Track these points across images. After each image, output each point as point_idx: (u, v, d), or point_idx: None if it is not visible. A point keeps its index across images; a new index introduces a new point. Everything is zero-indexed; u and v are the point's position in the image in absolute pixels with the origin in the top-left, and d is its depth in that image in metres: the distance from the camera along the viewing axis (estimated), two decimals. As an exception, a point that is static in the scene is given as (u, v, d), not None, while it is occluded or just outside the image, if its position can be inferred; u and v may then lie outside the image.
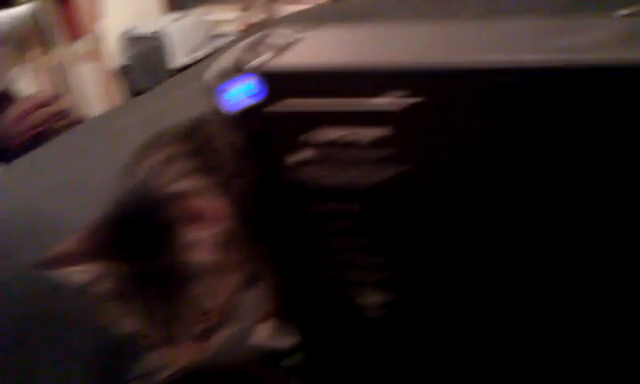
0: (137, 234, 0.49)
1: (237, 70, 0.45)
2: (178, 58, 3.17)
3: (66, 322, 0.91)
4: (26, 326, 0.94)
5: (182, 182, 0.52)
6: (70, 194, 1.13)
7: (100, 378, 0.84)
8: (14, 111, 2.67)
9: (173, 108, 1.65)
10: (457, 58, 0.42)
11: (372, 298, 0.50)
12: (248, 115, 0.45)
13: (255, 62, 0.46)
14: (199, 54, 3.30)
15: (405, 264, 0.48)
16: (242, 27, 3.46)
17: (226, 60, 0.46)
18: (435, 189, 0.45)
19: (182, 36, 3.28)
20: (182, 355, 0.52)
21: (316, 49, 0.48)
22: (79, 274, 0.51)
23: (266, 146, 0.47)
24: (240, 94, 0.45)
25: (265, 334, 0.67)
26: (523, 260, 0.46)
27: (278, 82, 0.45)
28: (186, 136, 0.57)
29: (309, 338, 0.56)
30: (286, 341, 0.63)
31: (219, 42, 3.51)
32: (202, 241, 0.49)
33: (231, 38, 3.31)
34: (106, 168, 1.31)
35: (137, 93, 2.88)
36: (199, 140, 0.56)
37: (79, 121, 2.73)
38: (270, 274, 0.56)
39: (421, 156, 0.44)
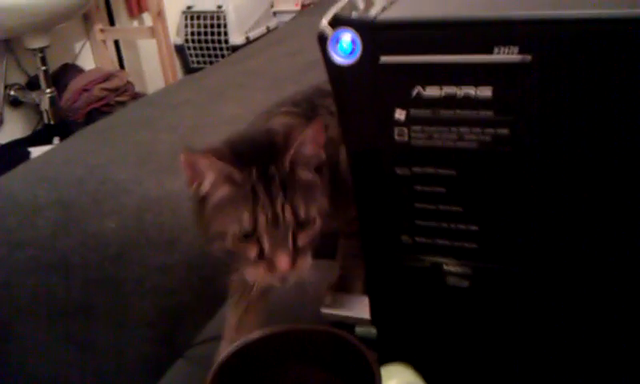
0: (253, 150, 0.58)
1: (349, 21, 0.44)
2: (238, 35, 3.18)
3: (130, 287, 0.92)
4: (91, 291, 0.95)
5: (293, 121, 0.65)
6: (135, 163, 1.14)
7: (163, 342, 0.85)
8: (77, 84, 2.75)
9: (230, 84, 1.66)
10: (568, 11, 0.39)
11: (457, 268, 0.48)
12: (360, 66, 0.44)
13: (368, 13, 0.44)
14: (259, 31, 3.31)
15: (497, 234, 0.46)
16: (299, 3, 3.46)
17: (339, 10, 0.44)
18: (538, 154, 0.41)
19: (242, 12, 3.28)
20: (280, 263, 0.55)
21: (424, 3, 0.46)
22: (209, 170, 0.56)
23: (374, 99, 0.45)
24: (352, 44, 0.44)
25: (332, 302, 0.68)
26: (627, 234, 0.42)
27: (390, 34, 0.43)
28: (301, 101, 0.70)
29: (387, 306, 0.54)
30: (354, 310, 0.64)
31: (279, 19, 3.53)
32: (303, 160, 0.57)
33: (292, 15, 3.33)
34: (167, 139, 1.33)
35: (196, 69, 2.91)
36: (309, 106, 0.69)
37: (139, 95, 2.80)
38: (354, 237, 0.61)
39: (524, 117, 0.41)
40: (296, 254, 0.56)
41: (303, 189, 0.56)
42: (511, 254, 0.46)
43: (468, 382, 0.54)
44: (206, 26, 3.18)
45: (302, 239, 0.57)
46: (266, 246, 0.55)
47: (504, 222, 0.45)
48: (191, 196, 0.59)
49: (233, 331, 0.67)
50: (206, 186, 0.57)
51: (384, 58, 0.43)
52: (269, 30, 3.29)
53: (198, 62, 3.21)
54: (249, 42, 3.10)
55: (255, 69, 1.73)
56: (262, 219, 0.55)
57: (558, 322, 0.48)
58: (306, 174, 0.57)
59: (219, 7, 3.13)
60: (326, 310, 0.68)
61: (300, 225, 0.56)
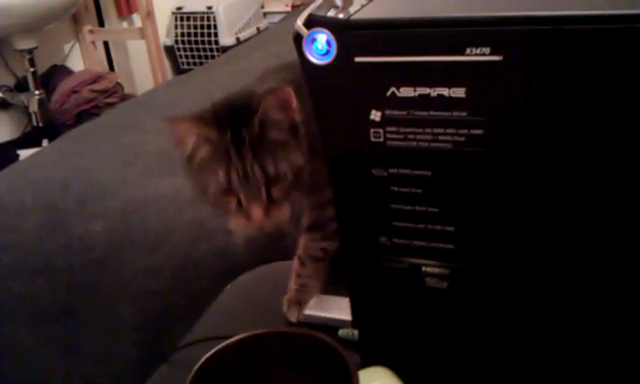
0: (230, 112, 0.64)
1: (323, 21, 0.43)
2: (228, 35, 3.17)
3: (115, 291, 0.91)
4: (76, 295, 0.95)
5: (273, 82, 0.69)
6: (120, 165, 1.13)
7: (149, 346, 0.84)
8: (66, 86, 2.73)
9: (220, 85, 1.65)
10: (538, 11, 0.38)
11: (435, 269, 0.48)
12: (336, 66, 0.43)
13: (343, 13, 0.44)
14: (249, 32, 3.30)
15: (473, 234, 0.46)
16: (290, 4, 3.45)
17: (313, 11, 0.44)
18: (512, 153, 0.41)
19: (232, 13, 3.27)
20: (254, 214, 0.62)
21: (402, 2, 0.46)
22: (190, 134, 0.62)
23: (350, 100, 0.45)
24: (327, 44, 0.44)
25: (314, 305, 0.68)
26: (604, 232, 0.42)
27: (364, 34, 0.42)
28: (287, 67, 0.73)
29: (368, 308, 0.54)
30: (339, 312, 0.64)
31: (270, 20, 3.52)
32: (271, 122, 0.62)
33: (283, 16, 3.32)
34: (154, 141, 1.32)
35: (185, 70, 2.90)
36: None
37: (129, 97, 2.78)
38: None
39: (497, 118, 0.40)
40: (270, 205, 0.63)
41: (273, 147, 0.62)
42: (488, 254, 0.46)
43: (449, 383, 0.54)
44: (195, 27, 3.18)
45: (275, 192, 0.63)
46: (242, 199, 0.62)
47: (480, 223, 0.45)
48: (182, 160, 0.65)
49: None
50: (189, 147, 0.63)
51: (358, 59, 0.43)
52: (259, 31, 3.29)
53: (188, 63, 3.20)
54: (239, 42, 3.09)
55: (245, 70, 1.72)
56: (234, 176, 0.61)
57: (536, 321, 0.48)
58: (276, 134, 0.63)
59: (209, 8, 3.12)
60: (309, 313, 0.68)
61: (271, 180, 0.62)
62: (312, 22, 0.44)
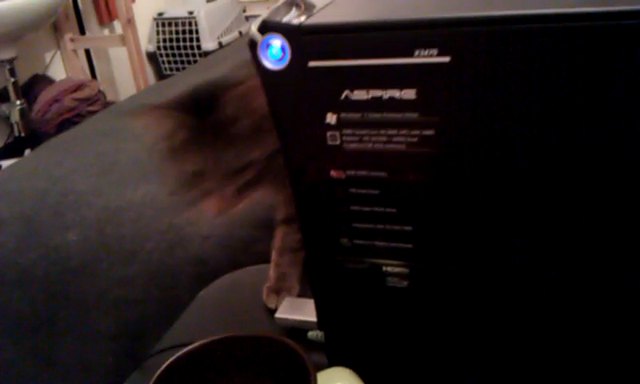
0: (202, 99, 0.63)
1: (276, 26, 0.44)
2: (210, 40, 3.17)
3: (92, 301, 0.91)
4: (54, 305, 0.94)
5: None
6: (96, 174, 1.13)
7: (126, 354, 0.84)
8: (47, 95, 2.72)
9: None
10: (485, 12, 0.39)
11: (395, 269, 0.48)
12: (291, 71, 0.44)
13: (294, 19, 0.44)
14: (231, 37, 3.30)
15: (431, 233, 0.46)
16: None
17: (268, 16, 0.45)
18: (463, 153, 0.42)
19: (214, 18, 3.27)
20: (227, 197, 0.63)
21: (353, 8, 0.47)
22: (157, 127, 0.62)
23: (306, 104, 0.45)
24: (281, 50, 0.44)
25: (286, 307, 0.69)
26: (556, 239, 0.43)
27: (316, 39, 0.43)
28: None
29: (332, 309, 0.54)
30: (306, 315, 0.64)
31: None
32: (244, 106, 0.62)
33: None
34: (130, 148, 1.32)
35: (168, 76, 2.90)
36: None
37: (111, 104, 2.77)
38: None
39: (448, 118, 0.41)
40: (243, 188, 0.63)
41: (245, 133, 0.63)
42: (446, 252, 0.47)
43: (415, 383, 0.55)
44: (177, 33, 3.17)
45: (246, 175, 0.63)
46: (214, 183, 0.63)
47: (437, 222, 0.46)
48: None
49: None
50: (165, 131, 0.63)
51: (312, 63, 0.43)
52: (242, 35, 3.28)
53: (171, 69, 3.20)
54: (221, 47, 3.09)
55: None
56: (208, 161, 0.62)
57: (496, 318, 0.48)
58: (249, 121, 0.63)
59: (190, 13, 3.12)
60: (279, 315, 0.68)
61: (243, 166, 0.63)
62: (266, 28, 0.44)
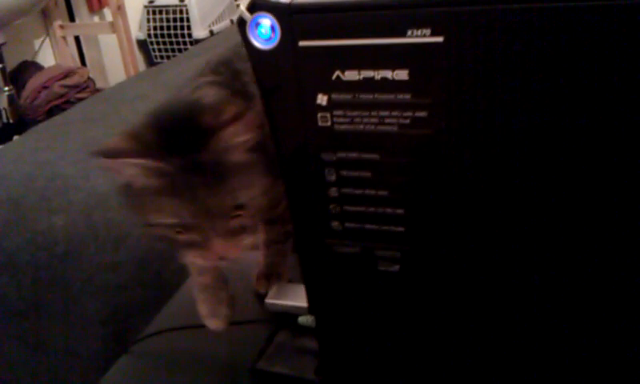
0: (179, 134, 0.54)
1: (266, 5, 0.43)
2: (201, 28, 3.15)
3: (79, 286, 0.90)
4: (41, 290, 0.94)
5: (220, 95, 0.60)
6: (84, 159, 1.11)
7: (114, 339, 0.84)
8: (36, 82, 2.70)
9: (189, 77, 1.64)
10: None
11: (387, 253, 0.48)
12: (281, 50, 0.43)
13: None
14: (223, 25, 3.28)
15: (422, 217, 0.46)
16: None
17: None
18: (456, 135, 0.42)
19: (205, 6, 3.25)
20: (216, 249, 0.54)
21: None
22: (129, 167, 0.53)
23: (296, 84, 0.44)
24: (271, 29, 0.43)
25: (276, 292, 0.69)
26: (546, 221, 0.43)
27: (306, 18, 0.42)
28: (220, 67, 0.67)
29: (323, 294, 0.54)
30: (296, 300, 0.65)
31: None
32: (237, 142, 0.54)
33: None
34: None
35: (157, 63, 2.88)
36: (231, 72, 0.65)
37: (99, 92, 2.75)
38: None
39: (441, 99, 0.41)
40: (232, 235, 0.55)
41: (233, 174, 0.54)
42: (438, 236, 0.46)
43: (407, 369, 0.54)
44: (168, 21, 3.15)
45: (237, 222, 0.55)
46: (199, 234, 0.54)
47: (429, 205, 0.45)
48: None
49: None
50: (127, 177, 0.54)
51: (302, 43, 0.43)
52: (233, 23, 3.26)
53: (162, 57, 3.17)
54: (212, 35, 3.06)
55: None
56: (190, 210, 0.53)
57: (488, 303, 0.48)
58: (237, 157, 0.54)
59: (181, 1, 3.10)
60: (270, 301, 0.68)
61: (234, 209, 0.54)
62: (255, 7, 0.44)
